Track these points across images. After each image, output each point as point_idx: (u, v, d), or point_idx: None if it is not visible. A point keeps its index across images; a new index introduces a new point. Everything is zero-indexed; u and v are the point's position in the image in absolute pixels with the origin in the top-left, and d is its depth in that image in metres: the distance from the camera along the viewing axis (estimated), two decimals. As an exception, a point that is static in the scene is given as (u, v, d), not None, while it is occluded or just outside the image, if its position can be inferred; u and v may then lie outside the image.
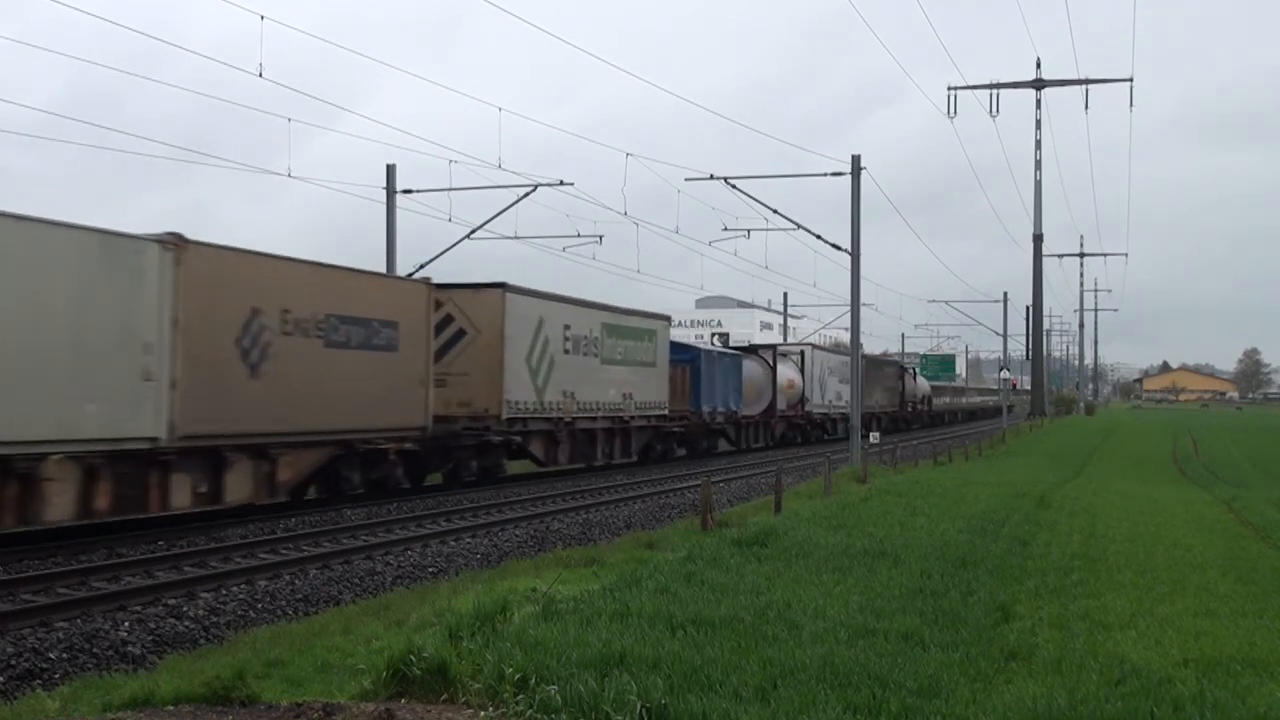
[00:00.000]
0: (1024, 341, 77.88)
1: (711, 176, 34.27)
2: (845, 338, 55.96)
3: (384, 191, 34.42)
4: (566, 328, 29.32)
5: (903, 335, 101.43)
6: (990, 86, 70.38)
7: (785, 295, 75.54)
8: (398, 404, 22.75)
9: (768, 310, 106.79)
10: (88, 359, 15.88)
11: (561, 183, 34.40)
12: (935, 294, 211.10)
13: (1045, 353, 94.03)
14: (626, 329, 33.07)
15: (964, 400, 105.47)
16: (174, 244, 17.56)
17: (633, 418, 33.16)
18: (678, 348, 38.17)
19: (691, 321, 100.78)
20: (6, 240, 14.86)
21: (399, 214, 34.37)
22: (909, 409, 73.30)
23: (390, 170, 34.41)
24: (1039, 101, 72.86)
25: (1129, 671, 7.86)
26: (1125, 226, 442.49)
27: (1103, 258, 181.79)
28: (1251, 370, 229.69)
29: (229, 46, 33.07)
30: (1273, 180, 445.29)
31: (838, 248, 35.15)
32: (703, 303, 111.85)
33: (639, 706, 6.58)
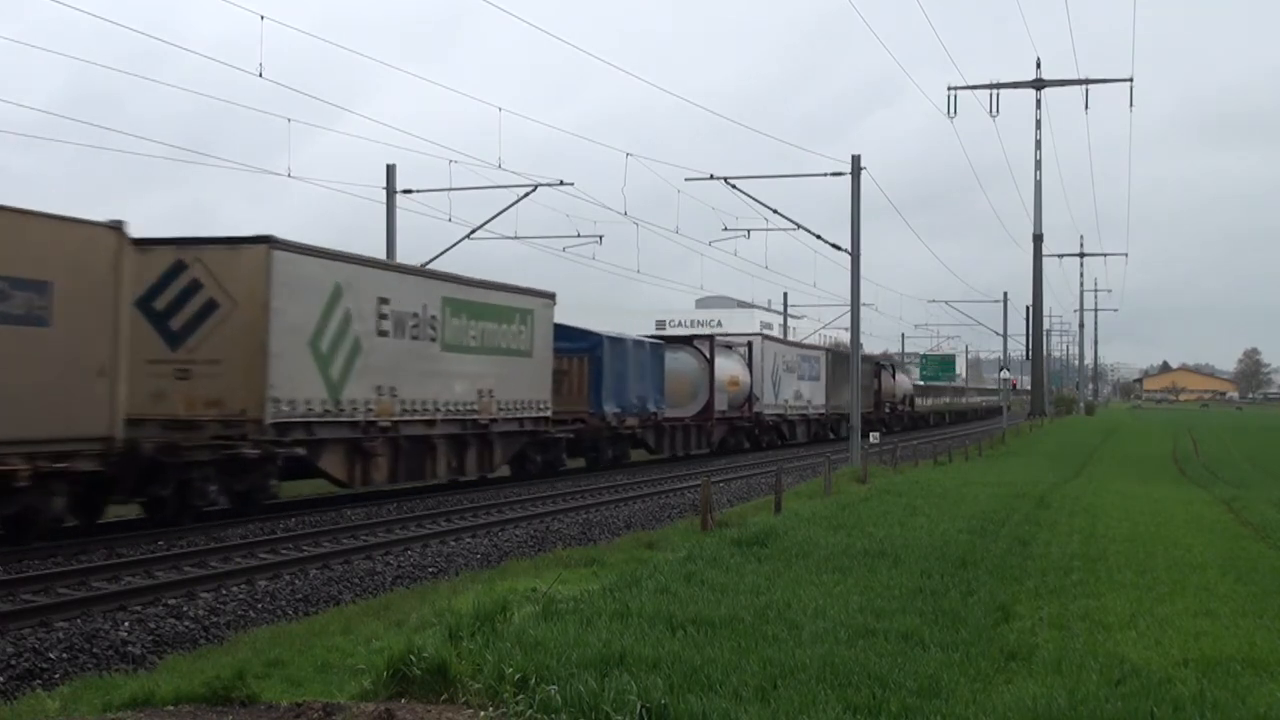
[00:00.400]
0: (1024, 341, 77.91)
1: (711, 176, 34.30)
2: (845, 338, 55.36)
3: (384, 191, 34.45)
4: (384, 302, 22.22)
5: (903, 335, 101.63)
6: (990, 86, 70.44)
7: (785, 295, 75.58)
8: (48, 404, 15.46)
9: (768, 310, 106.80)
10: None
11: (561, 183, 34.47)
12: (935, 294, 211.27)
13: (1045, 353, 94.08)
14: (486, 307, 25.98)
15: (952, 400, 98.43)
16: None
17: (494, 421, 26.10)
18: (569, 333, 31.26)
19: (692, 322, 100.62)
20: None
21: (399, 214, 34.43)
22: (887, 410, 67.09)
23: (390, 170, 34.45)
24: (1039, 101, 72.95)
25: (1129, 671, 7.86)
26: (1125, 226, 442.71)
27: (1103, 258, 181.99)
28: (1251, 370, 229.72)
29: (229, 46, 33.10)
30: (1272, 180, 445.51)
31: (838, 248, 35.17)
32: (703, 303, 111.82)
33: (639, 706, 6.58)
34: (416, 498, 24.14)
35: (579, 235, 38.39)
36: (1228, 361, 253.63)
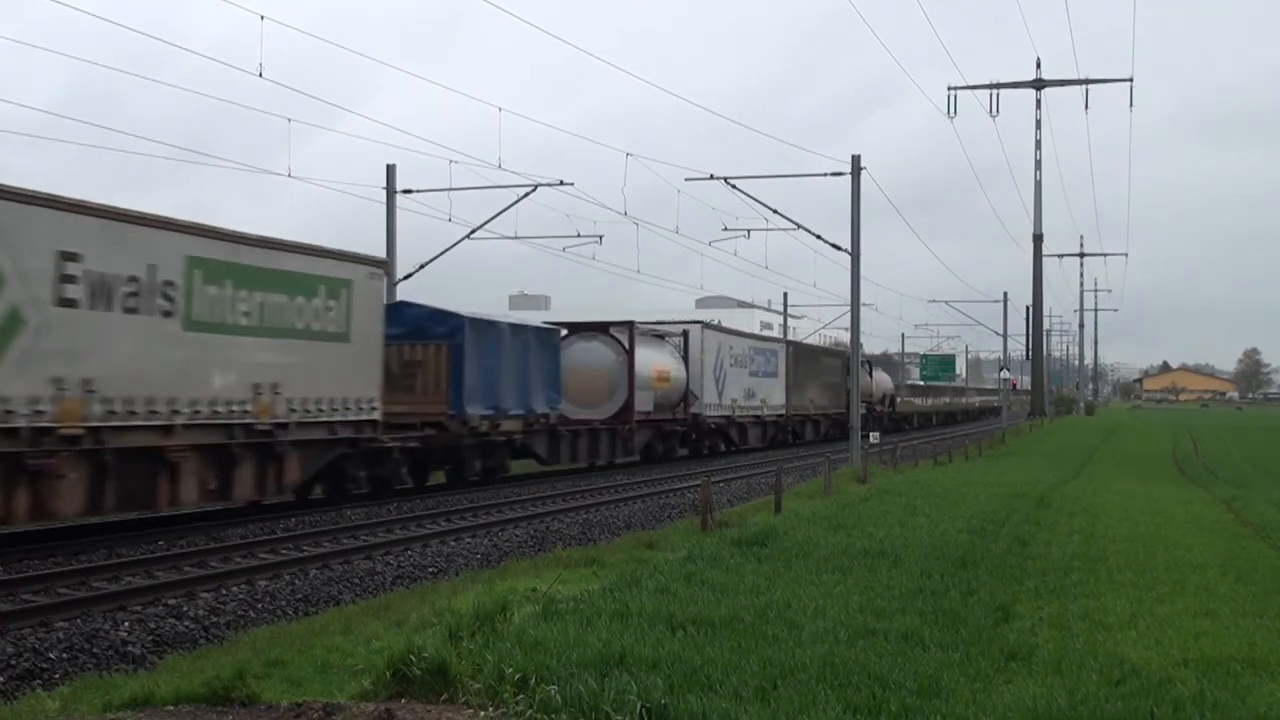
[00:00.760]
0: (1024, 341, 77.89)
1: (711, 176, 34.32)
2: (845, 337, 54.80)
3: (384, 191, 34.47)
4: (69, 258, 15.55)
5: (903, 335, 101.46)
6: (990, 86, 70.49)
7: (785, 295, 75.50)
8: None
9: (768, 310, 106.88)
10: None
11: (561, 183, 34.49)
12: (935, 294, 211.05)
13: (1045, 353, 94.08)
14: (268, 274, 19.38)
15: (939, 401, 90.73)
16: None
17: (283, 426, 19.47)
18: (420, 315, 25.85)
19: (692, 321, 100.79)
20: None
21: (399, 214, 34.46)
22: (863, 410, 62.31)
23: (390, 170, 34.47)
24: (1039, 101, 73.00)
25: (1129, 671, 7.86)
26: (1125, 226, 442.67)
27: (1103, 258, 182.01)
28: (1251, 370, 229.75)
29: (229, 46, 33.10)
30: (1272, 180, 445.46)
31: (838, 248, 35.18)
32: (703, 303, 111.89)
33: (639, 706, 6.58)
34: (417, 498, 24.14)
35: (579, 235, 38.43)
36: (1228, 361, 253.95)
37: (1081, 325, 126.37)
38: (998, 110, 70.75)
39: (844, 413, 54.70)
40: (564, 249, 39.07)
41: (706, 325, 40.65)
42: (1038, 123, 73.50)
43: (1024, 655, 8.42)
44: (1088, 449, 47.83)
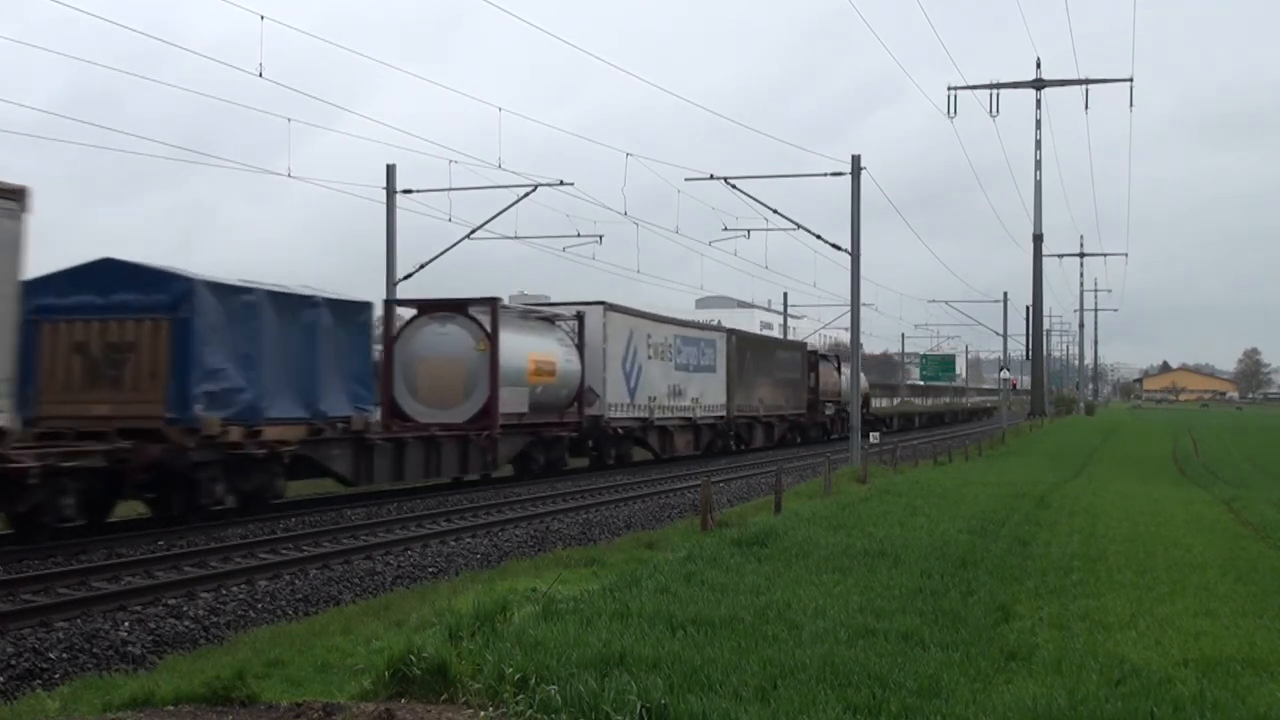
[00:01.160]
0: (1024, 341, 77.91)
1: (711, 176, 34.33)
2: (845, 337, 54.35)
3: (384, 191, 34.50)
4: None
5: (903, 335, 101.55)
6: (990, 86, 70.52)
7: (785, 295, 75.54)
8: None
9: (768, 310, 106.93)
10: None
11: (561, 183, 34.51)
12: (935, 294, 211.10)
13: (1045, 353, 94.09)
14: None
15: (923, 402, 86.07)
16: None
17: None
18: (132, 276, 18.30)
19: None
20: None
21: (399, 214, 34.49)
22: (828, 411, 54.69)
23: (390, 170, 34.48)
24: (1039, 101, 73.04)
25: (1129, 671, 7.86)
26: (1125, 226, 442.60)
27: (1103, 258, 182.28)
28: (1251, 370, 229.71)
29: (229, 46, 33.09)
30: (1272, 180, 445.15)
31: (838, 248, 35.19)
32: (703, 303, 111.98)
33: (639, 706, 6.58)
34: (417, 498, 24.14)
35: (579, 235, 38.40)
36: (1228, 361, 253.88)
37: (1081, 325, 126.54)
38: (998, 110, 70.86)
39: (804, 414, 50.21)
40: (564, 249, 39.04)
41: (611, 306, 32.67)
42: (1038, 123, 73.59)
43: (1024, 655, 8.42)
44: (1088, 449, 47.83)
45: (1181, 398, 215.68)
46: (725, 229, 39.33)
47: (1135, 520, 18.36)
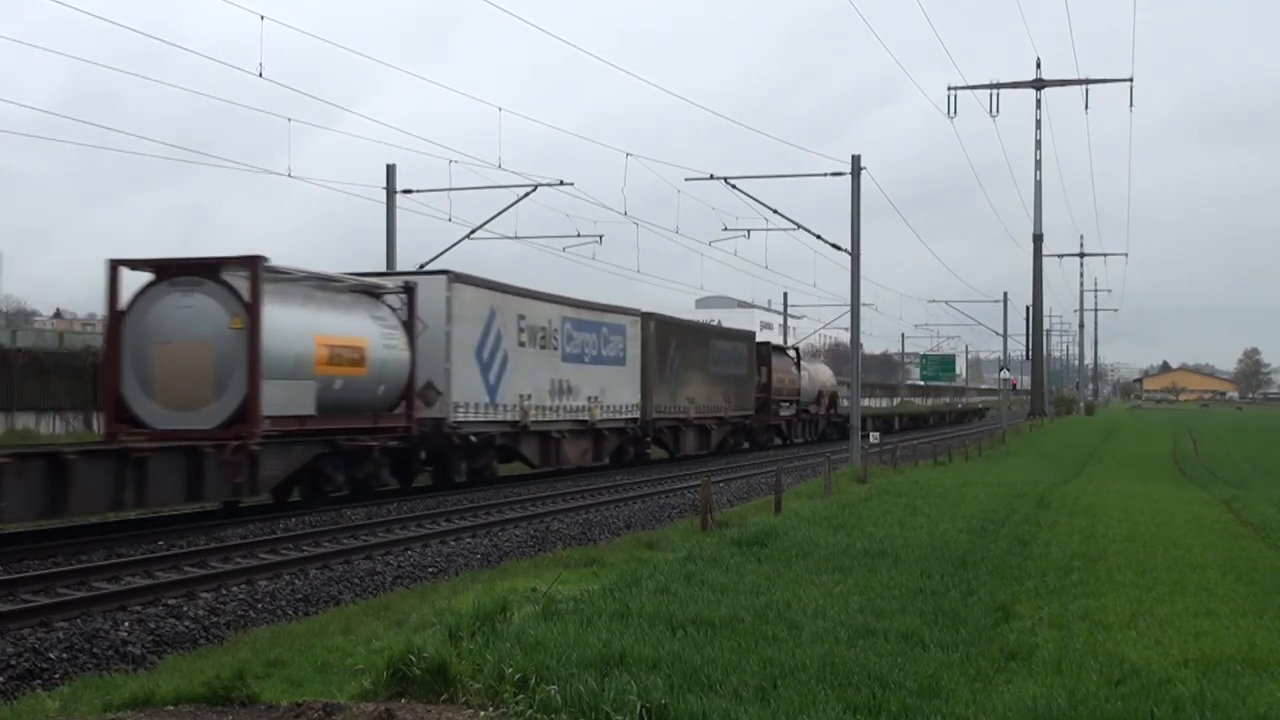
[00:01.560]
0: (1024, 341, 77.94)
1: (711, 176, 34.32)
2: (845, 337, 54.12)
3: (384, 191, 34.51)
4: None
5: (903, 335, 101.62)
6: (990, 86, 70.62)
7: (785, 295, 75.63)
8: None
9: (768, 310, 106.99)
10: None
11: (561, 183, 34.52)
12: (935, 294, 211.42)
13: (1045, 353, 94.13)
14: None
15: (905, 403, 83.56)
16: None
17: None
18: None
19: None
20: None
21: (399, 214, 34.49)
22: (785, 412, 48.09)
23: (390, 170, 34.50)
24: (1039, 101, 73.17)
25: (1129, 671, 7.86)
26: (1125, 226, 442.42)
27: (1103, 258, 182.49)
28: (1251, 370, 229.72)
29: (229, 46, 33.11)
30: (1272, 180, 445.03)
31: (838, 248, 35.19)
32: (703, 303, 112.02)
33: (639, 706, 6.58)
34: (417, 498, 24.14)
35: (579, 235, 38.39)
36: (1228, 361, 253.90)
37: (1081, 325, 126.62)
38: (998, 110, 71.01)
39: (749, 416, 43.46)
40: (564, 249, 38.98)
41: (460, 277, 25.20)
42: (1038, 123, 73.72)
43: (1024, 655, 8.42)
44: (1088, 449, 47.83)
45: (1181, 398, 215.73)
46: (725, 229, 39.32)
47: (1135, 520, 18.36)
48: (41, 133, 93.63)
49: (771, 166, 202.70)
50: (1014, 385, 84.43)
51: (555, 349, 29.51)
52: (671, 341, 36.82)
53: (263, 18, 24.04)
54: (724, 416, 41.35)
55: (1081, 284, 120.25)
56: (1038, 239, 76.27)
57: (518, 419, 27.26)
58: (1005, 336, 76.95)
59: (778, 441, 49.45)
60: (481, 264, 28.10)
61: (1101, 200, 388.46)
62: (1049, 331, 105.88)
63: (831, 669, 7.61)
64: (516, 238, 37.96)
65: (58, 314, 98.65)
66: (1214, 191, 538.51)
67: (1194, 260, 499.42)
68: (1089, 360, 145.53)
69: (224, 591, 13.74)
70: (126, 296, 19.61)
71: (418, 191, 35.05)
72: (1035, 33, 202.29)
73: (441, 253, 35.72)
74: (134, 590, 13.22)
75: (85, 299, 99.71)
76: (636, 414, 34.15)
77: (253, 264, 19.27)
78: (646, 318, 35.32)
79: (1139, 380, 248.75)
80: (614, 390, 32.65)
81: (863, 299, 35.01)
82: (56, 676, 10.18)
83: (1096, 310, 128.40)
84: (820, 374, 55.73)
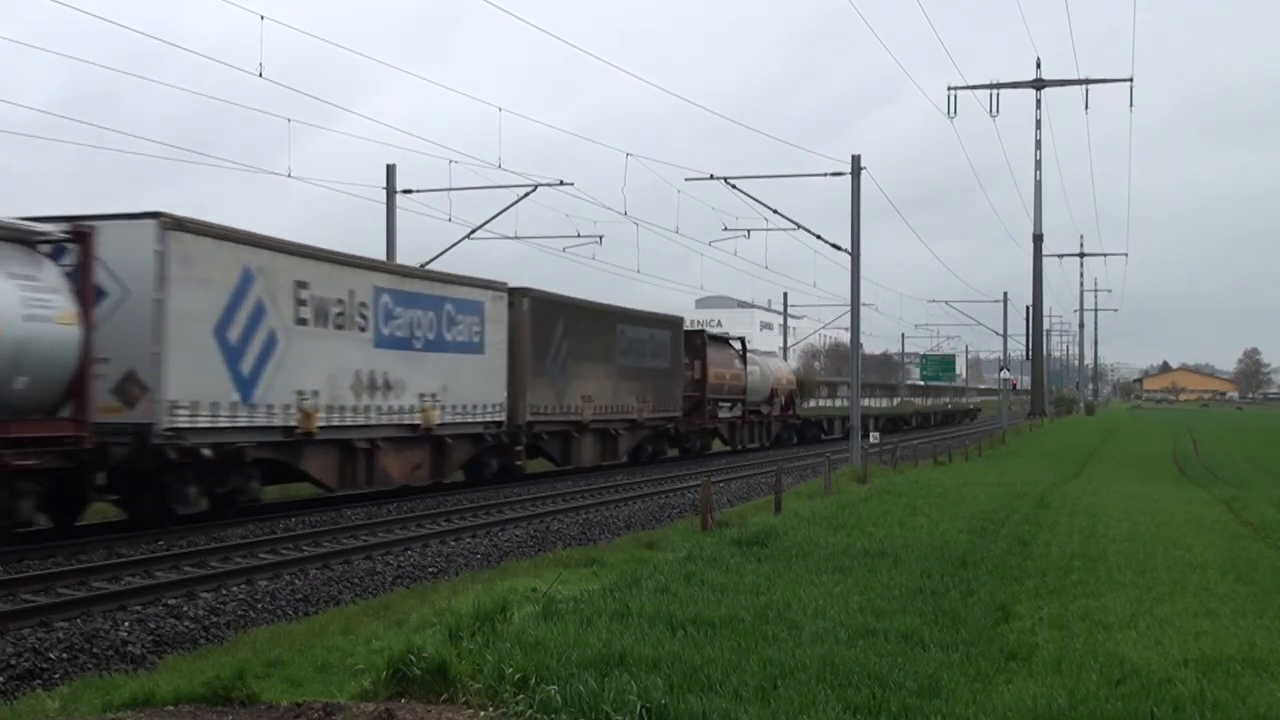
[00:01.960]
0: (1024, 341, 77.91)
1: (711, 176, 34.29)
2: (845, 337, 54.10)
3: (384, 191, 34.46)
4: None
5: (903, 335, 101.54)
6: (990, 86, 70.59)
7: (785, 295, 75.56)
8: None
9: (768, 310, 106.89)
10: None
11: (561, 183, 34.46)
12: (935, 294, 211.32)
13: (1045, 353, 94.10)
14: None
15: (889, 404, 77.32)
16: None
17: None
18: None
19: (692, 322, 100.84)
20: None
21: (399, 214, 34.41)
22: (727, 414, 42.04)
23: (390, 170, 34.46)
24: (1039, 101, 73.13)
25: (1129, 671, 7.86)
26: (1125, 226, 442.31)
27: (1103, 258, 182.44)
28: (1251, 370, 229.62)
29: (229, 46, 33.09)
30: (1272, 180, 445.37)
31: (838, 248, 35.17)
32: (703, 303, 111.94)
33: (639, 706, 6.58)
34: (416, 497, 24.13)
35: (579, 235, 38.33)
36: (1228, 361, 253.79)
37: (1081, 325, 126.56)
38: (998, 110, 70.95)
39: (671, 417, 36.11)
40: (564, 249, 38.91)
41: (182, 222, 17.67)
42: (1038, 123, 73.68)
43: (1024, 655, 8.42)
44: (1088, 449, 47.82)
45: (1181, 398, 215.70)
46: (725, 229, 39.28)
47: (1135, 520, 18.36)
48: (41, 133, 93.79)
49: (771, 166, 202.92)
50: (1014, 385, 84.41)
51: (364, 330, 21.99)
52: (557, 325, 29.38)
53: (263, 18, 24.02)
54: (637, 419, 33.86)
55: (1081, 284, 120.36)
56: (1038, 239, 76.25)
57: (294, 424, 19.88)
58: (1005, 336, 76.92)
59: (720, 447, 43.24)
60: (482, 264, 27.95)
61: (1101, 200, 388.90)
62: (1049, 331, 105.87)
63: (831, 669, 7.61)
64: (516, 238, 37.93)
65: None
66: (1214, 192, 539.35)
67: (1194, 260, 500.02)
68: (1089, 360, 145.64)
69: (224, 591, 13.74)
70: None
71: (418, 191, 35.00)
72: (1035, 33, 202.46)
73: (441, 253, 35.68)
74: (134, 590, 13.22)
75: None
76: (501, 416, 26.64)
77: None
78: (517, 293, 27.76)
79: (1139, 380, 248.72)
80: (464, 386, 25.07)
81: (863, 299, 34.99)
82: (56, 676, 10.18)
83: (1096, 310, 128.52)
84: (774, 369, 48.33)
